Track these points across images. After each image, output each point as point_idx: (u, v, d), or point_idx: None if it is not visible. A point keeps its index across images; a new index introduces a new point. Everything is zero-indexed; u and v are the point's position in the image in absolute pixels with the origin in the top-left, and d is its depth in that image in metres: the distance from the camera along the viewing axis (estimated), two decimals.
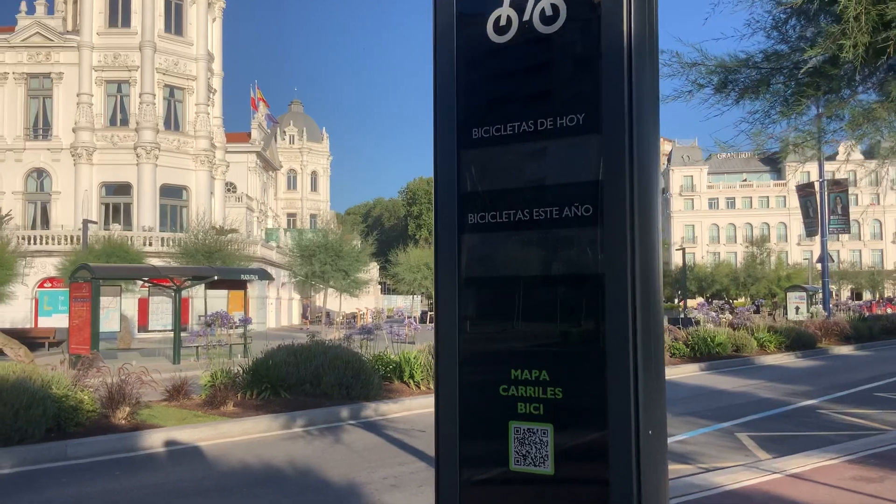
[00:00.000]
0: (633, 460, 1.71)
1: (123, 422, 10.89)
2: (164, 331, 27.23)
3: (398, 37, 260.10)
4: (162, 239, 45.74)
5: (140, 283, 28.80)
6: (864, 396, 14.76)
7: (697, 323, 27.63)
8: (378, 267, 72.34)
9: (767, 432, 10.94)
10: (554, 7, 1.91)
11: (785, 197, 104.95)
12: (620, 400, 1.73)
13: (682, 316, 41.86)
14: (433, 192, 2.05)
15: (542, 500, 1.87)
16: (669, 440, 10.20)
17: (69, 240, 43.87)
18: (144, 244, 43.58)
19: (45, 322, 39.95)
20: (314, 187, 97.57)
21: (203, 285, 27.02)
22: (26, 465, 9.07)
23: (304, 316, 66.90)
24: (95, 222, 44.30)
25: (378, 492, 7.64)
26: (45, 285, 43.30)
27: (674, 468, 8.71)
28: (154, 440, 10.30)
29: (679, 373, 19.25)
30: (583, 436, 1.85)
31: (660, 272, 1.83)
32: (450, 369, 1.98)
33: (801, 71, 4.37)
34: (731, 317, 29.07)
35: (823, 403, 13.84)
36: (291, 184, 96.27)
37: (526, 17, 1.96)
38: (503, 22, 1.97)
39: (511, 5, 1.98)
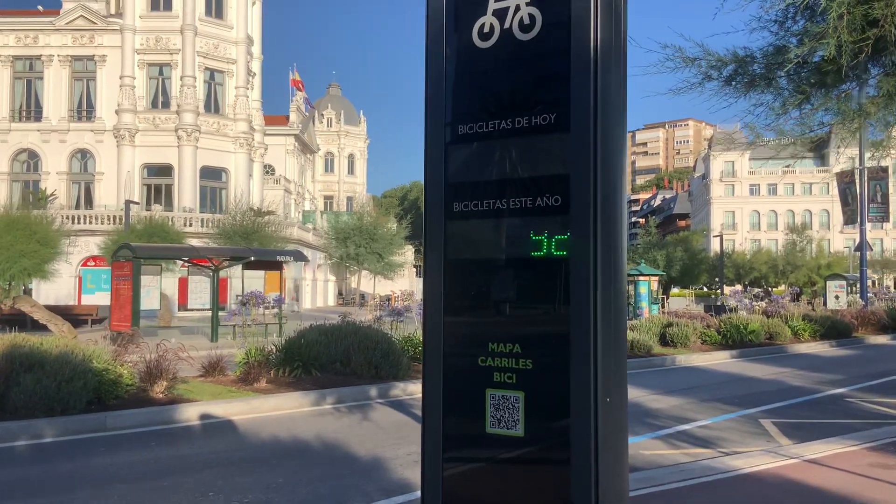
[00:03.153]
0: (591, 424, 1.92)
1: (160, 395, 11.31)
2: (203, 309, 27.84)
3: None
4: (201, 220, 46.52)
5: (180, 262, 29.43)
6: (895, 386, 14.66)
7: (732, 310, 27.49)
8: (413, 250, 72.76)
9: (792, 419, 11.00)
10: (531, 16, 2.11)
11: (828, 184, 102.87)
12: (581, 370, 1.94)
13: (717, 303, 41.55)
14: (424, 182, 2.27)
15: (513, 459, 2.10)
16: (692, 425, 10.35)
17: (111, 220, 44.84)
18: (184, 225, 44.36)
19: (87, 299, 40.95)
20: (351, 170, 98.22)
21: (240, 266, 27.53)
22: (67, 435, 9.52)
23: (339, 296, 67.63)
24: (137, 203, 45.20)
25: (402, 467, 7.91)
26: (88, 264, 44.37)
27: (693, 451, 8.87)
28: (189, 414, 10.69)
29: (710, 360, 19.26)
30: (549, 402, 2.07)
31: (623, 257, 2.03)
32: (436, 344, 2.22)
33: (802, 66, 4.45)
34: (765, 304, 28.84)
35: (852, 392, 13.80)
36: (329, 166, 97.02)
37: (507, 25, 2.16)
38: (487, 29, 2.19)
39: (494, 14, 2.18)
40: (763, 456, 8.26)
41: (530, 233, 2.10)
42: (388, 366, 13.48)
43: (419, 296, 50.52)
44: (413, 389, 13.13)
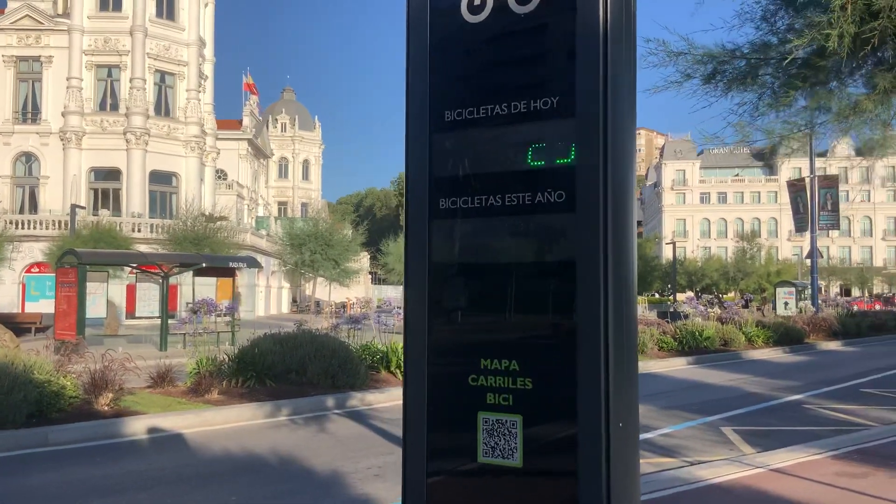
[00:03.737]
0: (602, 453, 1.66)
1: (106, 408, 10.82)
2: (152, 317, 27.11)
3: (392, 24, 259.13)
4: (151, 225, 45.53)
5: (128, 269, 28.64)
6: (850, 392, 14.81)
7: (686, 317, 27.70)
8: (369, 257, 72.26)
9: (752, 426, 10.97)
10: None
11: (776, 192, 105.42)
12: (591, 391, 1.68)
13: (671, 310, 41.96)
14: (405, 176, 1.99)
15: (510, 493, 1.83)
16: (655, 433, 10.23)
17: (57, 225, 43.66)
18: (133, 230, 43.40)
19: (31, 307, 39.74)
20: (306, 176, 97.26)
21: (191, 272, 26.90)
22: (6, 451, 8.99)
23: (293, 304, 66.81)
24: (84, 207, 44.06)
25: (361, 481, 7.61)
26: (32, 270, 43.07)
27: (658, 461, 8.72)
28: (137, 427, 10.24)
29: (666, 366, 19.29)
30: (552, 427, 1.80)
31: (633, 261, 1.79)
32: (419, 358, 1.93)
33: (787, 61, 4.31)
34: (719, 311, 29.14)
35: (809, 399, 13.89)
36: (283, 172, 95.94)
37: None
38: (477, 1, 1.92)
39: None
40: (728, 465, 8.15)
41: (530, 234, 1.85)
42: (345, 375, 13.15)
43: (376, 303, 50.15)
44: (371, 399, 12.82)
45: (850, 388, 15.53)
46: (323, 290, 52.02)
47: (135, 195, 50.05)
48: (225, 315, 24.43)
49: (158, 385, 12.83)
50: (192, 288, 27.69)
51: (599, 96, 1.71)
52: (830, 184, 38.16)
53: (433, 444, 1.90)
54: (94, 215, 44.50)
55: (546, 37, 1.83)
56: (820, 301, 38.75)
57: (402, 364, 14.65)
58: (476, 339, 1.92)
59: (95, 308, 24.60)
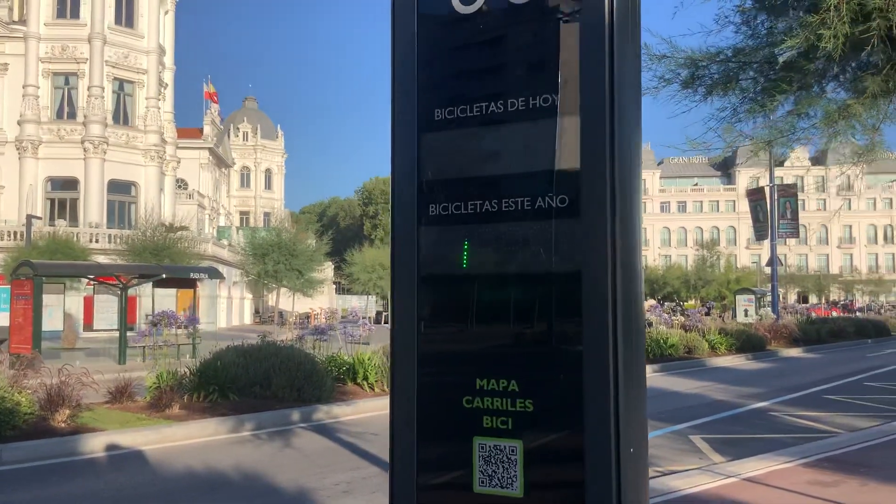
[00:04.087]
0: (612, 482, 1.52)
1: (63, 425, 10.44)
2: (110, 330, 26.45)
3: (355, 34, 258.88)
4: (109, 236, 44.64)
5: (85, 280, 27.98)
6: (814, 399, 14.95)
7: (650, 324, 27.85)
8: (333, 267, 71.72)
9: (720, 434, 10.97)
10: None
11: (734, 202, 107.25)
12: (598, 413, 1.54)
13: None
14: (391, 179, 1.83)
15: None
16: None
17: (12, 235, 42.60)
18: (91, 241, 42.55)
19: None
20: (268, 185, 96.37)
21: (151, 284, 26.35)
22: None
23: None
24: (40, 218, 43.11)
25: (329, 498, 7.39)
26: None
27: None
28: (94, 444, 9.88)
29: None
30: (556, 454, 1.65)
31: (641, 270, 1.65)
32: (407, 379, 1.76)
33: (779, 64, 4.25)
34: (683, 319, 29.37)
35: (775, 406, 13.97)
36: (245, 181, 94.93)
37: None
38: None
39: None
40: (700, 475, 8.10)
41: (528, 240, 1.69)
42: (311, 388, 12.88)
43: (341, 313, 49.72)
44: (338, 412, 12.58)
45: (813, 394, 15.68)
46: (286, 301, 51.43)
47: (93, 205, 49.07)
48: (186, 327, 23.93)
49: (117, 400, 12.43)
50: (152, 299, 27.12)
51: (605, 91, 1.57)
52: (789, 193, 38.80)
53: (423, 474, 1.74)
54: (50, 226, 43.57)
55: (545, 27, 1.69)
56: (780, 308, 39.32)
57: (368, 376, 14.45)
58: (470, 357, 1.76)
59: (52, 321, 23.95)
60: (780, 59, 3.98)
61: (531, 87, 1.70)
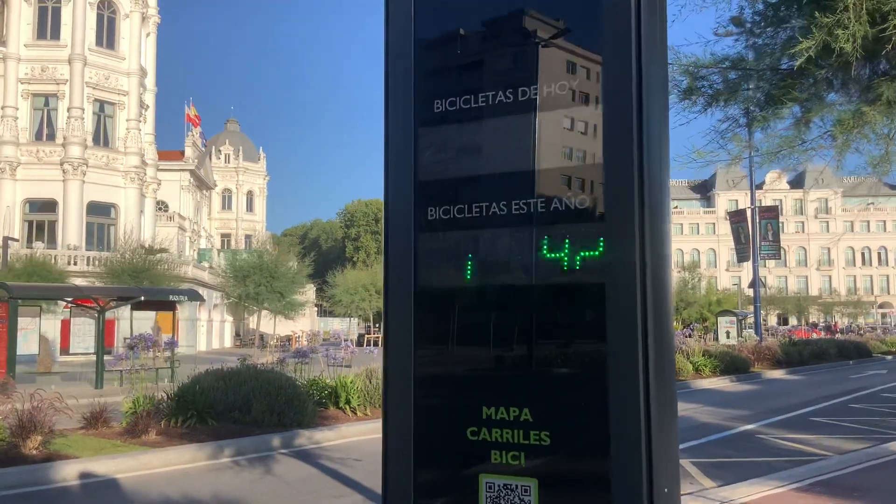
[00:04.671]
0: None
1: (35, 452, 10.08)
2: (87, 354, 26.00)
3: (336, 57, 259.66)
4: (87, 258, 44.06)
5: (62, 303, 27.52)
6: (801, 421, 14.82)
7: None
8: (315, 289, 71.25)
9: (710, 458, 10.78)
10: None
11: (714, 224, 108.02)
12: (628, 448, 1.31)
13: None
14: (383, 181, 1.61)
15: None
16: None
17: None
18: (69, 263, 41.99)
19: None
20: (250, 207, 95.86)
21: (129, 306, 25.93)
22: None
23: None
24: (17, 240, 42.51)
25: None
26: None
27: None
28: (67, 472, 9.53)
29: None
30: (577, 495, 1.42)
31: (670, 279, 1.45)
32: (402, 406, 1.53)
33: (777, 73, 4.11)
34: None
35: (762, 428, 13.82)
36: (226, 203, 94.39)
37: None
38: None
39: None
40: (693, 501, 7.89)
41: (543, 248, 1.47)
42: (292, 412, 12.57)
43: (322, 335, 49.27)
44: (320, 437, 12.26)
45: (800, 416, 15.56)
46: (267, 324, 50.89)
47: (71, 227, 48.47)
48: (164, 350, 23.52)
49: (92, 426, 12.08)
50: (130, 322, 26.69)
51: (632, 77, 1.36)
52: (771, 214, 39.00)
53: None
54: (28, 248, 42.92)
55: (566, 4, 1.48)
56: (763, 330, 39.38)
57: (350, 400, 14.18)
58: (476, 381, 1.53)
59: (27, 344, 23.57)
60: (797, 62, 3.82)
61: (547, 71, 1.49)
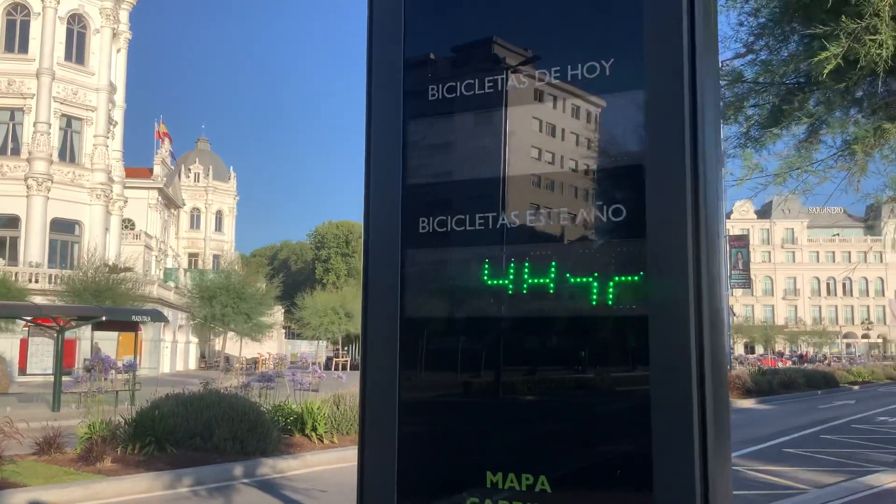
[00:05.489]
0: None
1: None
2: (46, 374, 25.27)
3: (311, 79, 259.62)
4: (49, 276, 43.02)
5: (21, 322, 26.74)
6: (774, 452, 14.69)
7: None
8: (283, 311, 70.43)
9: None
10: None
11: None
12: None
13: None
14: (364, 186, 1.30)
15: None
16: None
17: None
18: (30, 280, 40.96)
19: None
20: (219, 227, 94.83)
21: (90, 326, 25.23)
22: None
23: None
24: None
25: None
26: None
27: None
28: (14, 502, 9.01)
29: None
30: None
31: (727, 315, 1.16)
32: (383, 465, 1.21)
33: (781, 88, 3.93)
34: None
35: (737, 460, 13.62)
36: (195, 223, 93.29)
37: None
38: None
39: None
40: None
41: (567, 271, 1.16)
42: (255, 440, 12.11)
43: (290, 359, 48.56)
44: (283, 466, 11.82)
45: (773, 447, 15.44)
46: (234, 346, 50.07)
47: (34, 244, 47.39)
48: (125, 372, 22.84)
49: (45, 452, 11.52)
50: (91, 343, 25.97)
51: (684, 56, 1.08)
52: (741, 243, 39.33)
53: None
54: None
55: None
56: (732, 358, 39.53)
57: (317, 427, 13.77)
58: (478, 437, 1.20)
59: None
60: (825, 69, 3.58)
61: (571, 50, 1.18)
